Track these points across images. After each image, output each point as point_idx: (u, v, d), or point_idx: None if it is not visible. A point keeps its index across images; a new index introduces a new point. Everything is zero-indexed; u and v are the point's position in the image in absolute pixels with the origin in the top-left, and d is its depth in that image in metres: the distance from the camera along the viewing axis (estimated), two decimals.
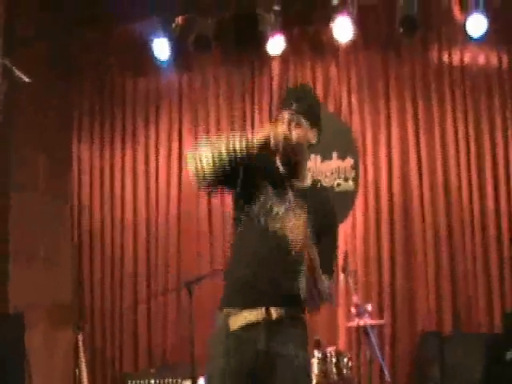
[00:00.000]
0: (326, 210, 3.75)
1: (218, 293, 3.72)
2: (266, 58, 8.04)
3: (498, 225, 7.38)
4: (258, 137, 3.52)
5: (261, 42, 7.78)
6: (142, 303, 8.10)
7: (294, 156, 3.63)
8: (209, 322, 3.79)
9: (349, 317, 7.05)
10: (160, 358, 7.98)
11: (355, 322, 6.35)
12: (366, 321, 6.28)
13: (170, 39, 7.87)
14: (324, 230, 3.65)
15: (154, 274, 8.20)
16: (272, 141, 3.49)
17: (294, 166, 3.69)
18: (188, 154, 3.54)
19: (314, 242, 3.47)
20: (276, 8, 7.66)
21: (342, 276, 6.73)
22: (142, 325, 8.13)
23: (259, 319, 3.49)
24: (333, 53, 8.02)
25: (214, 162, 3.43)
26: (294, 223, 3.40)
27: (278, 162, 3.69)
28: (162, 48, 7.91)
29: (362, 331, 6.40)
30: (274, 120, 3.75)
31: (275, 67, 8.13)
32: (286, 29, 7.75)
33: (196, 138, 8.11)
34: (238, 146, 3.44)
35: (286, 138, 3.54)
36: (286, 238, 3.40)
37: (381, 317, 7.13)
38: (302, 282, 3.51)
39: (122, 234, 8.29)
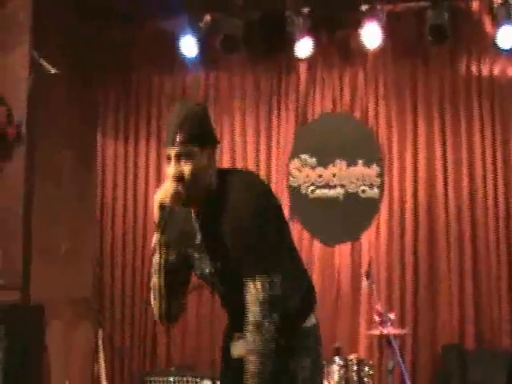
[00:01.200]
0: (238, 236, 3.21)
1: None
2: (293, 61, 7.99)
3: None
4: (156, 218, 3.25)
5: (289, 44, 7.75)
6: None
7: (193, 196, 3.21)
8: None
9: (370, 325, 7.04)
10: (179, 358, 7.89)
11: (378, 331, 6.32)
12: (389, 330, 6.25)
13: (198, 38, 7.82)
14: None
15: None
16: (170, 204, 3.18)
17: (198, 201, 3.27)
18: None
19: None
20: (305, 10, 7.66)
21: (365, 282, 6.71)
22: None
23: None
24: (361, 59, 7.98)
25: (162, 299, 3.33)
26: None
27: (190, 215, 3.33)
28: (189, 46, 7.86)
29: (385, 340, 6.37)
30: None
31: (303, 70, 8.07)
32: (314, 32, 7.72)
33: (220, 138, 8.10)
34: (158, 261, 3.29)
35: (178, 188, 3.16)
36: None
37: (402, 326, 7.06)
38: None
39: (145, 234, 8.18)
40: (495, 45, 7.47)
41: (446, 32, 7.43)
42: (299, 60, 7.96)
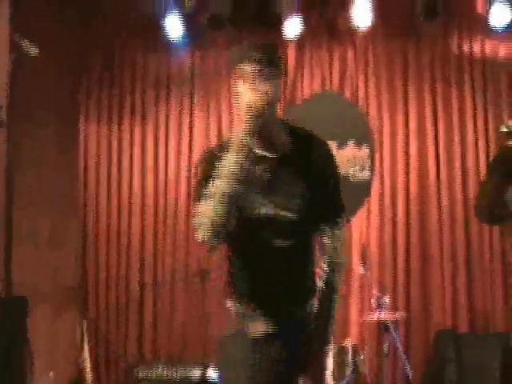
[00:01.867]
0: (317, 165, 3.31)
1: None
2: (281, 40, 7.72)
3: None
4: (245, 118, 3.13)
5: (277, 23, 7.54)
6: (148, 290, 7.82)
7: (269, 121, 3.17)
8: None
9: (363, 310, 6.90)
10: (166, 348, 7.72)
11: (374, 315, 6.19)
12: (386, 314, 6.12)
13: (183, 16, 7.61)
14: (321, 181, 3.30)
15: (162, 259, 7.95)
16: (257, 112, 3.10)
17: (269, 134, 3.24)
18: (194, 222, 3.20)
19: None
20: None
21: (360, 269, 6.55)
22: (147, 313, 7.85)
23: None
24: (351, 38, 7.78)
25: (219, 218, 3.12)
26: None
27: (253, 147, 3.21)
28: (174, 25, 7.65)
29: (382, 325, 6.23)
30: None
31: (291, 50, 7.86)
32: (303, 11, 7.51)
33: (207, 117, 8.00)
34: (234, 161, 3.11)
35: (263, 101, 3.12)
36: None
37: (395, 311, 6.89)
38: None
39: (130, 217, 8.02)
40: (487, 23, 7.28)
41: (437, 9, 7.28)
42: (288, 39, 7.71)
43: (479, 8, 7.53)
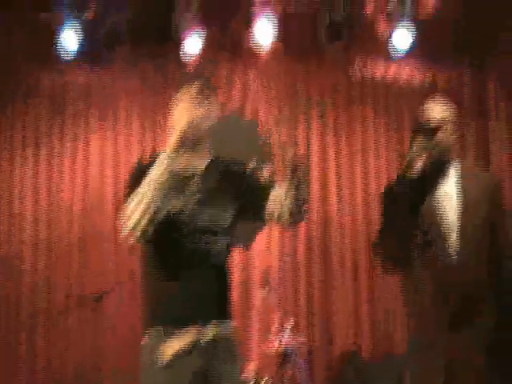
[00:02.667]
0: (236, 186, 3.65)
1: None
2: (181, 57, 7.54)
3: None
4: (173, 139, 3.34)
5: (177, 40, 7.30)
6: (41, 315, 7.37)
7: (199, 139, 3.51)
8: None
9: (266, 336, 6.73)
10: (59, 375, 7.27)
11: (276, 342, 5.98)
12: (288, 339, 5.93)
13: (79, 32, 7.26)
14: None
15: (54, 285, 7.52)
16: (185, 133, 3.36)
17: (198, 151, 3.56)
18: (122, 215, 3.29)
19: None
20: (195, 4, 7.26)
21: (263, 291, 6.36)
22: (40, 341, 7.39)
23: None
24: (252, 57, 7.60)
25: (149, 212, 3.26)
26: None
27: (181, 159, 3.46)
28: (69, 41, 7.28)
29: (284, 351, 6.03)
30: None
31: (190, 67, 7.65)
32: (203, 28, 7.30)
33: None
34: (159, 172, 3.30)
35: (193, 121, 3.38)
36: None
37: (297, 335, 6.74)
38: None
39: (20, 232, 7.57)
40: (390, 45, 7.29)
41: (340, 31, 7.20)
42: (187, 56, 7.48)
43: (382, 32, 7.49)
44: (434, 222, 3.94)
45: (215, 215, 3.49)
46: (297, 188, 3.35)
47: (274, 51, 7.50)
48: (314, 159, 7.43)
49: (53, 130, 7.75)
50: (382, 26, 7.50)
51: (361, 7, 7.48)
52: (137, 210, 3.25)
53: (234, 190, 3.63)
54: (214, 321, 3.35)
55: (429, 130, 3.94)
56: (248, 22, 7.29)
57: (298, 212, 3.38)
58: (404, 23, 7.15)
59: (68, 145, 7.71)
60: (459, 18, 7.29)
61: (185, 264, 3.36)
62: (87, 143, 7.71)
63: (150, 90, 7.70)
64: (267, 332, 6.53)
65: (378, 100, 7.53)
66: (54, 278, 7.51)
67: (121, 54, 7.52)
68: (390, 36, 7.26)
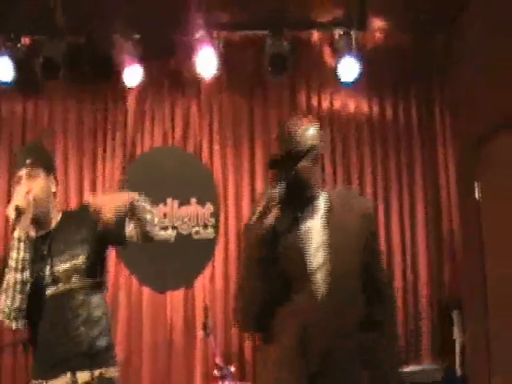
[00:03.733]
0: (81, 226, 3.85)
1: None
2: (121, 90, 7.28)
3: None
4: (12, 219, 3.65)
5: (116, 70, 7.01)
6: None
7: (42, 209, 3.80)
8: None
9: (207, 379, 6.42)
10: None
11: None
12: None
13: (15, 61, 6.95)
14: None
15: None
16: (24, 207, 3.65)
17: (43, 219, 3.85)
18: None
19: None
20: (135, 36, 7.01)
21: (202, 334, 6.06)
22: None
23: None
24: (195, 89, 7.42)
25: (16, 296, 3.64)
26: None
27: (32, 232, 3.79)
28: (4, 69, 6.94)
29: None
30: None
31: (131, 101, 7.38)
32: (144, 59, 7.05)
33: None
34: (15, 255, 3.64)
35: (30, 196, 3.70)
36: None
37: (242, 380, 6.43)
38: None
39: None
40: (336, 77, 7.13)
41: (285, 62, 7.01)
42: (127, 89, 7.27)
43: (328, 62, 7.35)
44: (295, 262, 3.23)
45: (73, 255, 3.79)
46: (139, 220, 3.71)
47: (217, 84, 7.31)
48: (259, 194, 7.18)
49: None
50: (327, 57, 7.37)
51: (307, 37, 7.38)
52: (5, 302, 3.63)
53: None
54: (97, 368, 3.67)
55: (293, 159, 3.20)
56: (190, 54, 7.05)
57: (145, 236, 3.76)
58: (350, 54, 7.00)
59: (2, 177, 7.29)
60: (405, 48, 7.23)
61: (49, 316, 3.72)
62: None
63: (88, 128, 7.41)
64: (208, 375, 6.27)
65: (323, 132, 7.31)
66: None
67: (58, 85, 7.24)
68: (336, 67, 7.09)
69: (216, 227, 7.20)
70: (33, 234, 3.78)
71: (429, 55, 7.27)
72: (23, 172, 3.79)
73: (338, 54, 7.17)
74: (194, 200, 7.25)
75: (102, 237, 3.78)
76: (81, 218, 3.88)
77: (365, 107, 7.44)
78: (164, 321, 7.04)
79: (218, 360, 5.75)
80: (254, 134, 7.37)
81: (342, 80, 7.13)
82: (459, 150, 7.23)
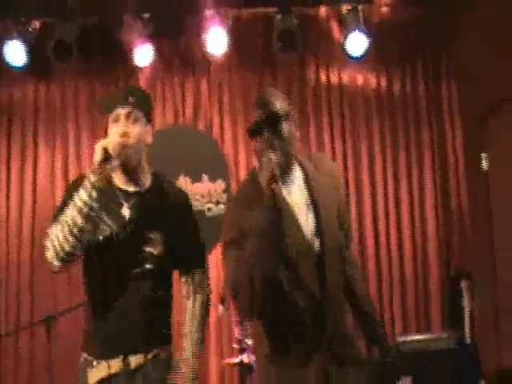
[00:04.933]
0: (176, 213, 3.58)
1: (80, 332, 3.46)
2: (132, 69, 7.34)
3: None
4: (96, 159, 3.25)
5: (127, 51, 7.09)
6: None
7: (132, 161, 3.43)
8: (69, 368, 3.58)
9: (224, 353, 6.54)
10: None
11: (237, 359, 5.78)
12: (250, 357, 5.71)
13: (27, 44, 7.01)
14: (180, 233, 3.55)
15: (4, 307, 7.22)
16: (112, 153, 3.25)
17: (132, 172, 3.49)
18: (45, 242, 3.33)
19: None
20: (145, 15, 7.07)
21: (220, 308, 6.17)
22: None
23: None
24: (205, 68, 7.47)
25: (69, 238, 3.25)
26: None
27: (116, 179, 3.50)
28: (16, 53, 7.00)
29: (245, 368, 5.82)
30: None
31: (142, 80, 7.43)
32: (154, 38, 7.12)
33: (52, 156, 7.40)
34: (85, 198, 3.24)
35: (124, 142, 3.32)
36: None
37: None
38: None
39: None
40: (344, 52, 7.20)
41: (294, 39, 7.06)
42: (138, 69, 7.32)
43: (336, 37, 7.42)
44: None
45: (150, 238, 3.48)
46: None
47: (226, 61, 7.39)
48: None
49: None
50: (335, 32, 7.44)
51: (314, 13, 7.45)
52: (58, 236, 3.26)
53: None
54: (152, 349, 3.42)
55: (273, 122, 3.41)
56: (199, 32, 7.13)
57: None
58: (358, 29, 7.06)
59: (15, 158, 7.45)
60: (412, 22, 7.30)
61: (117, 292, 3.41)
62: (35, 158, 7.45)
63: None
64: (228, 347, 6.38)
65: (333, 106, 7.43)
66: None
67: (69, 67, 7.30)
68: (344, 42, 7.15)
69: (228, 203, 7.30)
70: (124, 186, 3.49)
71: (435, 28, 7.32)
72: (123, 111, 3.41)
73: (345, 28, 7.21)
74: (205, 177, 7.35)
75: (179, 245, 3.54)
76: (179, 207, 3.60)
77: (373, 81, 7.49)
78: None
79: (237, 332, 5.86)
80: None
81: (350, 55, 7.18)
82: (466, 122, 7.33)
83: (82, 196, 3.23)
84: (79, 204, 3.22)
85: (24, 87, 7.51)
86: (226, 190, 7.34)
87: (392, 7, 7.39)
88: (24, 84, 7.49)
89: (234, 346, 5.83)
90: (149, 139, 3.53)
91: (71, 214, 3.23)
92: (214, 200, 7.33)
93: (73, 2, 6.92)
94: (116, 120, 3.42)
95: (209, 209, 7.32)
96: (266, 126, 3.43)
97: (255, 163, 7.02)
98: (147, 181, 3.55)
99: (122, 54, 7.20)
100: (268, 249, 3.24)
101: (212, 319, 6.83)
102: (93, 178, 3.23)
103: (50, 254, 3.28)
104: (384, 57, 7.47)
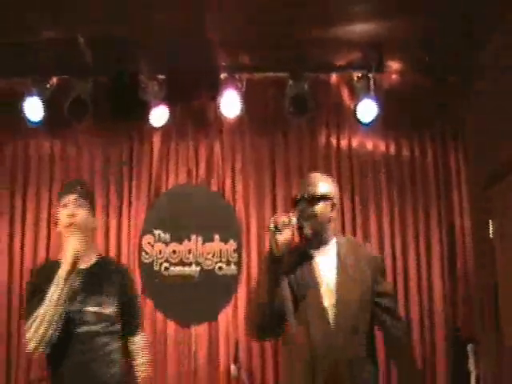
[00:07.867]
0: (118, 280, 4.25)
1: None
2: (146, 130, 7.50)
3: None
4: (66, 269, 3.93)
5: (142, 112, 7.18)
6: None
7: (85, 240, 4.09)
8: None
9: None
10: None
11: None
12: None
13: (44, 100, 7.13)
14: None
15: None
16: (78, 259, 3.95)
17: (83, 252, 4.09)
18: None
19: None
20: (161, 77, 7.23)
21: (232, 368, 6.22)
22: None
23: None
24: (218, 130, 7.61)
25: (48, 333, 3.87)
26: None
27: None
28: (34, 109, 7.10)
29: None
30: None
31: (156, 140, 7.59)
32: (169, 99, 7.25)
33: None
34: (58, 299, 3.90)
35: (71, 221, 4.05)
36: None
37: None
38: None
39: None
40: (354, 117, 7.29)
41: (305, 103, 7.18)
42: (153, 129, 7.46)
43: (347, 103, 7.58)
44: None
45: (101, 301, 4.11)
46: None
47: (239, 124, 7.53)
48: None
49: (14, 196, 7.54)
50: (346, 99, 7.60)
51: (326, 79, 7.61)
52: (38, 329, 3.85)
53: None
54: None
55: (310, 201, 4.11)
56: (213, 96, 7.27)
57: None
58: (368, 96, 7.21)
59: (30, 214, 7.50)
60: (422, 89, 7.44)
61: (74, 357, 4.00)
62: (50, 211, 7.48)
63: (114, 166, 7.62)
64: None
65: (342, 172, 7.54)
66: None
67: (85, 125, 7.38)
68: (355, 108, 7.27)
69: (239, 263, 7.40)
70: (80, 266, 4.05)
71: (444, 96, 7.45)
72: (71, 197, 4.12)
73: (356, 95, 7.37)
74: (217, 237, 7.45)
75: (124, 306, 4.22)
76: (117, 275, 4.29)
77: (382, 147, 7.63)
78: (188, 354, 7.21)
79: None
80: (275, 173, 7.55)
81: (360, 120, 7.29)
82: (473, 190, 7.43)
83: (55, 289, 3.87)
84: (54, 297, 3.85)
85: (40, 142, 7.62)
86: (237, 250, 7.43)
87: (402, 74, 7.54)
88: (40, 139, 7.60)
89: None
90: (94, 225, 4.26)
91: (47, 310, 3.85)
92: (224, 259, 7.41)
93: (90, 61, 7.02)
94: (65, 205, 4.11)
95: (220, 268, 7.39)
96: (303, 203, 4.12)
97: (266, 225, 7.17)
98: (90, 260, 4.23)
99: (137, 114, 7.20)
100: None
101: (220, 376, 6.92)
102: (63, 269, 3.90)
103: (33, 344, 3.86)
104: (393, 123, 7.58)
